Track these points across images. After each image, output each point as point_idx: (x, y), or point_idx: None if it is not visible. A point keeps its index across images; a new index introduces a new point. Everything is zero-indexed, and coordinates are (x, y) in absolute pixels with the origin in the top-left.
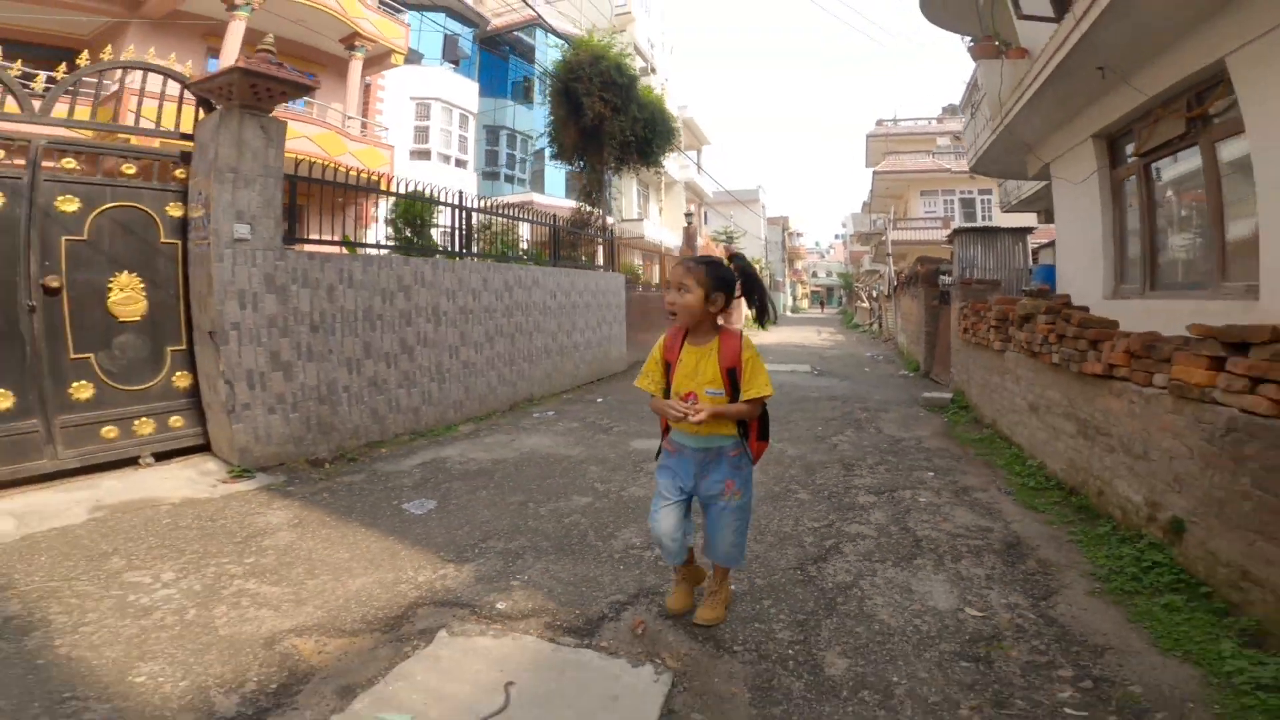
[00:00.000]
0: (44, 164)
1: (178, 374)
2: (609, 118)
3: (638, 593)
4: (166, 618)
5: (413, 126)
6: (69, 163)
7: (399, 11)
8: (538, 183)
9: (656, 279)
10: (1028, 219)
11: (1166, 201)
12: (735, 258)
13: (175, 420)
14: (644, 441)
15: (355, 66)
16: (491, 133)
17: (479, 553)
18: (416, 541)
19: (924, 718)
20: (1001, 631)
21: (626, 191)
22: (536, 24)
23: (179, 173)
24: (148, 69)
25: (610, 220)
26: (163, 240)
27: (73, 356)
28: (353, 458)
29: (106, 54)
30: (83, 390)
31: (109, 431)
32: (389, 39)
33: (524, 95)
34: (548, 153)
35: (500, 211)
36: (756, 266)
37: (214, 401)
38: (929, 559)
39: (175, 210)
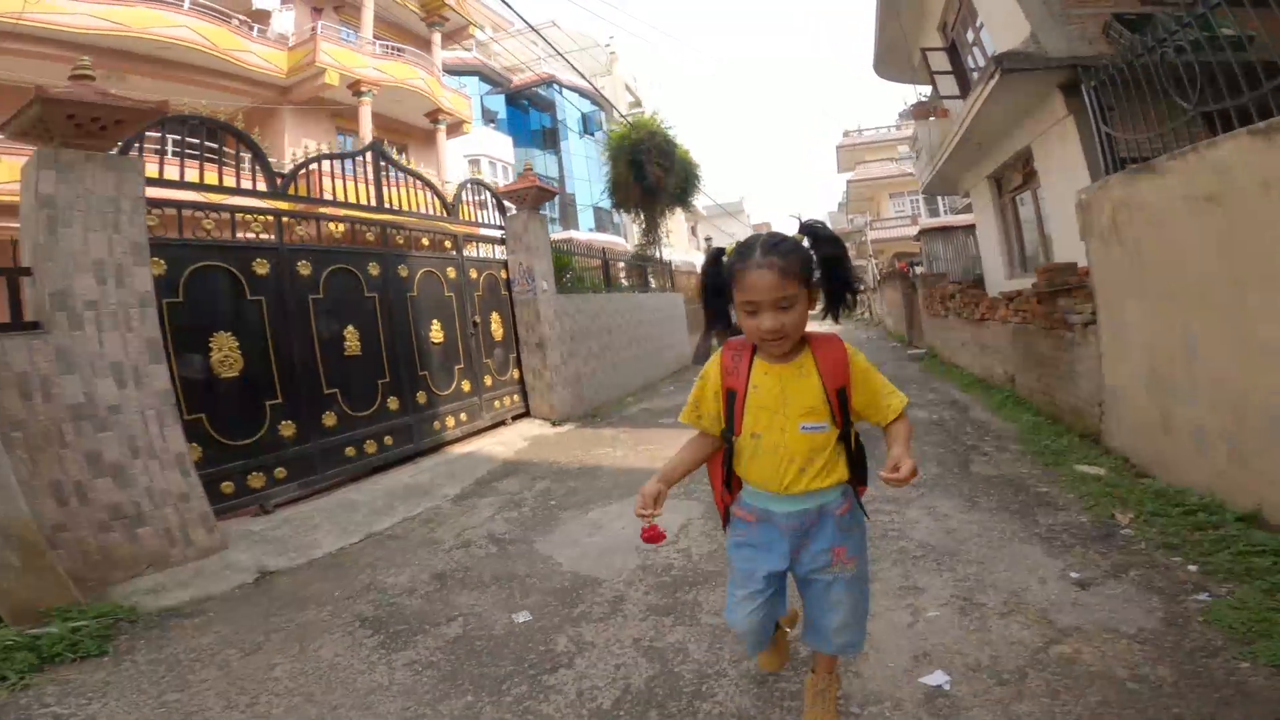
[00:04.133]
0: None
1: (514, 370)
2: (663, 178)
3: None
4: (621, 454)
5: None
6: (471, 247)
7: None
8: (570, 221)
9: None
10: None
11: (1026, 221)
12: (807, 228)
13: (515, 398)
14: None
15: (440, 136)
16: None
17: None
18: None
19: (924, 440)
20: (947, 420)
21: (636, 220)
22: (552, 81)
23: (500, 250)
24: (476, 184)
25: (660, 254)
26: (503, 292)
27: (484, 360)
28: (593, 414)
29: (255, 134)
30: (487, 380)
31: (497, 404)
32: (460, 111)
33: (543, 142)
34: (606, 201)
35: (621, 259)
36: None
37: (538, 385)
38: (918, 408)
39: (503, 274)
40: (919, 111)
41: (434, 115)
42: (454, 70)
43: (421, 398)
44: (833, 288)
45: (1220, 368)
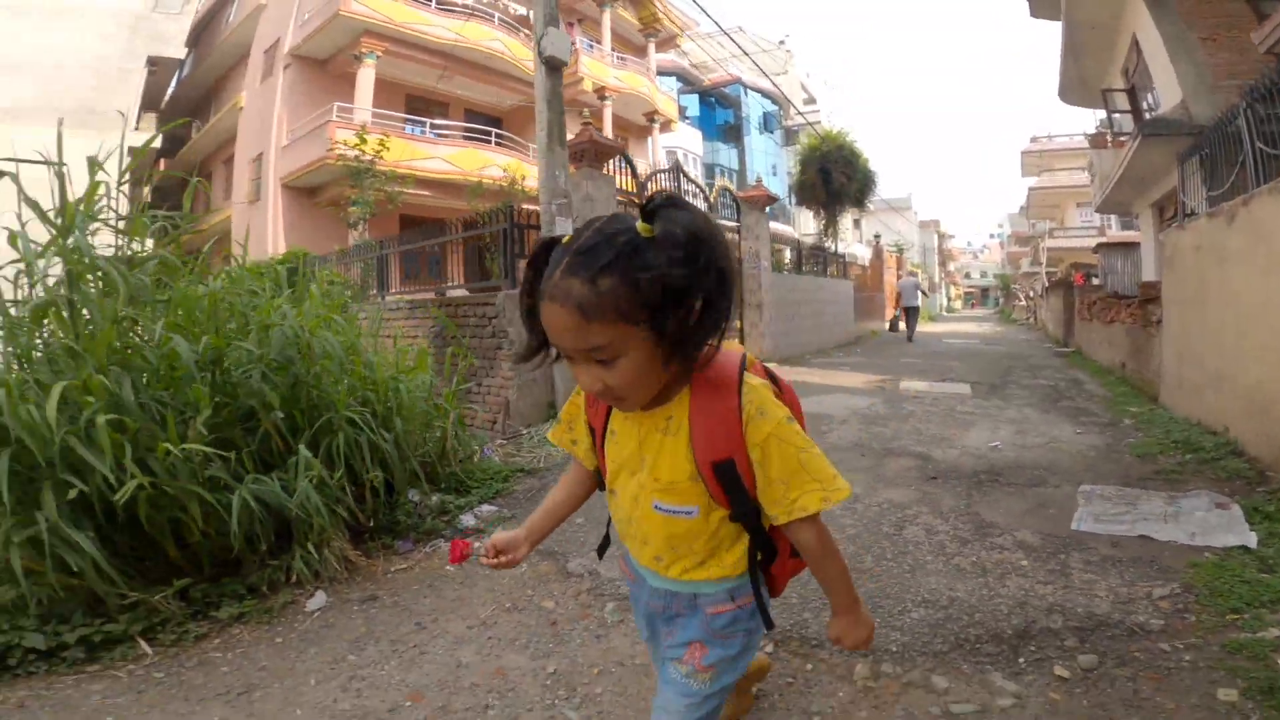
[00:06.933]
0: None
1: (737, 321)
2: (845, 185)
3: (944, 375)
4: (819, 377)
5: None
6: None
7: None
8: None
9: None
10: None
11: None
12: (657, 212)
13: (736, 342)
14: (900, 360)
15: (655, 132)
16: (709, 169)
17: (894, 369)
18: (863, 370)
19: (1035, 391)
20: (1061, 386)
21: (817, 218)
22: (738, 81)
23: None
24: (725, 190)
25: (836, 247)
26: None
27: None
28: (785, 360)
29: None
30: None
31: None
32: (669, 113)
33: (726, 137)
34: (781, 192)
35: (803, 248)
36: (917, 273)
37: (753, 333)
38: (1043, 377)
39: (738, 254)
40: (1096, 141)
41: (650, 115)
42: (659, 71)
43: None
44: (679, 330)
45: (1199, 347)
